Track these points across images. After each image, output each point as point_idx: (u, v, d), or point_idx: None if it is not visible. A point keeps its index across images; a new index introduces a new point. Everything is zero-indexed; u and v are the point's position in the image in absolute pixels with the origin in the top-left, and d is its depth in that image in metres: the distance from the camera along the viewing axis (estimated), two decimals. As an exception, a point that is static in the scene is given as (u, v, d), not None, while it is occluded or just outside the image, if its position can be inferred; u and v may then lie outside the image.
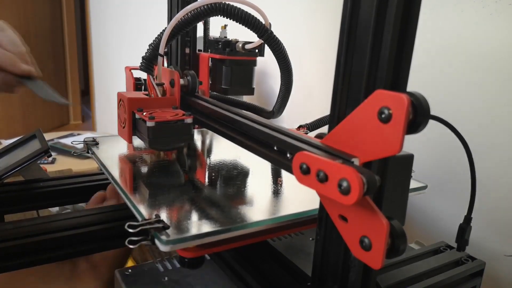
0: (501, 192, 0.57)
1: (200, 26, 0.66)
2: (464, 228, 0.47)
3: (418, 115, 0.24)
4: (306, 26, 0.87)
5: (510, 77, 0.54)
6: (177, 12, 0.63)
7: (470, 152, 0.46)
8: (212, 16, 0.52)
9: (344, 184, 0.25)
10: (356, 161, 0.27)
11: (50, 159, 1.34)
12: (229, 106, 0.46)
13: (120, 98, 0.51)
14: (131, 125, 0.50)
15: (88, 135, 1.65)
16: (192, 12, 0.50)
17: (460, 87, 0.60)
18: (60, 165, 1.32)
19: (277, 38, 0.55)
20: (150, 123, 0.45)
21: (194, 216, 0.37)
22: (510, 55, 0.54)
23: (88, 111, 3.29)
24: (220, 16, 0.52)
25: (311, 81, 0.87)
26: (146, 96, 0.52)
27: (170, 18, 0.64)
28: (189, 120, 0.48)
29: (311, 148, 0.31)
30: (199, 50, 0.69)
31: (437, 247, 0.47)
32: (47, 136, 1.60)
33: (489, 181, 0.57)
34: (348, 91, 0.29)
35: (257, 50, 0.67)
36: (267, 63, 0.95)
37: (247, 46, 0.65)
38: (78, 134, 1.71)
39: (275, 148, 0.36)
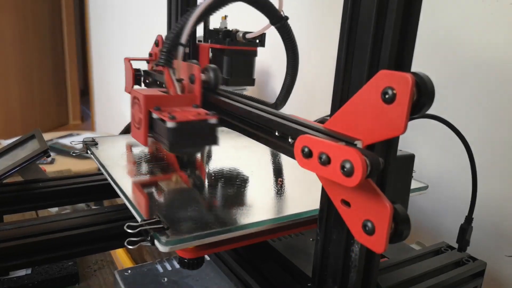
0: (502, 192, 0.56)
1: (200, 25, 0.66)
2: (465, 229, 0.47)
3: (422, 95, 0.24)
4: (306, 25, 0.87)
5: (510, 77, 0.54)
6: (177, 10, 0.63)
7: (471, 152, 0.46)
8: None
9: (347, 165, 0.24)
10: (359, 144, 0.27)
11: (49, 159, 1.33)
12: (254, 103, 0.43)
13: (135, 95, 0.47)
14: (147, 126, 0.45)
15: (87, 135, 1.65)
16: None
17: (460, 86, 0.60)
18: (59, 165, 1.32)
19: (290, 26, 0.55)
20: (170, 124, 0.40)
21: (194, 217, 0.37)
22: (510, 54, 0.54)
23: (88, 111, 3.28)
24: (241, 1, 0.49)
25: (313, 81, 0.87)
26: (163, 93, 0.47)
27: (170, 17, 0.64)
28: (213, 120, 0.43)
29: (313, 132, 0.30)
30: (199, 41, 0.69)
31: (438, 247, 0.47)
32: (46, 136, 1.60)
33: (490, 181, 0.57)
34: (348, 90, 0.29)
35: (257, 41, 0.66)
36: (268, 58, 0.95)
37: (248, 36, 0.64)
38: (77, 134, 1.71)
39: (276, 133, 0.36)
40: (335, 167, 0.25)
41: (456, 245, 0.48)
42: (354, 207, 0.27)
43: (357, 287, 0.31)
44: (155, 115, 0.43)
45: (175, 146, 0.41)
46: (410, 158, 0.36)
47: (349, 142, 0.27)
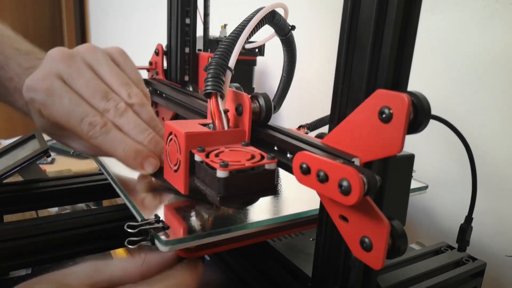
0: (502, 192, 0.56)
1: (199, 25, 0.66)
2: (465, 229, 0.47)
3: (419, 114, 0.24)
4: (306, 25, 0.87)
5: (510, 77, 0.54)
6: (177, 12, 0.63)
7: (471, 152, 0.46)
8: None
9: (345, 184, 0.25)
10: (357, 161, 0.27)
11: (49, 159, 1.34)
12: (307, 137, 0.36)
13: (171, 131, 0.37)
14: (187, 170, 0.36)
15: (87, 135, 1.64)
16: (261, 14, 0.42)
17: (460, 86, 0.60)
18: (59, 165, 1.32)
19: (293, 36, 0.55)
20: (222, 173, 0.31)
21: (194, 217, 0.37)
22: (510, 55, 0.54)
23: (88, 111, 3.28)
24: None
25: (312, 81, 0.87)
26: (206, 129, 0.38)
27: (170, 18, 0.64)
28: (272, 165, 0.33)
29: (312, 148, 0.31)
30: (199, 50, 0.69)
31: (438, 247, 0.47)
32: (46, 136, 1.60)
33: (490, 181, 0.57)
34: (348, 91, 0.29)
35: (257, 50, 0.67)
36: (267, 63, 0.95)
37: (247, 46, 0.64)
38: (78, 134, 1.71)
39: (276, 148, 0.36)
40: (332, 185, 0.26)
41: (456, 245, 0.48)
42: (352, 223, 0.27)
43: (357, 287, 0.31)
44: (198, 158, 0.34)
45: (227, 200, 0.32)
46: (410, 158, 0.36)
47: (347, 159, 0.27)
